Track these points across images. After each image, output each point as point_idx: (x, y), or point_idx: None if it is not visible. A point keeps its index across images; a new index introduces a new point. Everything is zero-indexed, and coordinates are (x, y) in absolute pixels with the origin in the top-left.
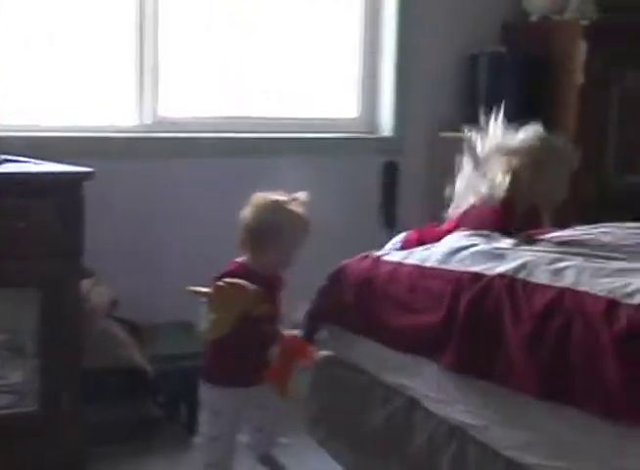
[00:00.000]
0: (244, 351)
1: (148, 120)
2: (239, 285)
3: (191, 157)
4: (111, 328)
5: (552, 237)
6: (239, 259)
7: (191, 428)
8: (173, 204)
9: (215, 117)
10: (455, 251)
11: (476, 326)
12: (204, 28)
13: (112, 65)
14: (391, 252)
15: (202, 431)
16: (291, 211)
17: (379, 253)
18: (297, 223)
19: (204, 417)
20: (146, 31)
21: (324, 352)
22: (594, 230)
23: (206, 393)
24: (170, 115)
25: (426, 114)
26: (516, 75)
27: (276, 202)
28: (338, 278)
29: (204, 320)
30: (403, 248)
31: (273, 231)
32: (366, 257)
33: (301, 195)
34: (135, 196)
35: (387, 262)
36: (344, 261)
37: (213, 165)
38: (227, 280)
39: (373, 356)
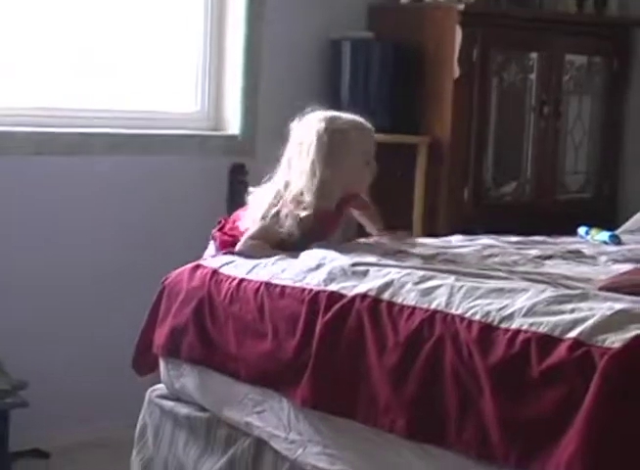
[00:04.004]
0: None
1: None
2: None
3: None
4: None
5: (422, 247)
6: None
7: None
8: None
9: (25, 109)
10: (313, 267)
11: (334, 354)
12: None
13: None
14: (232, 260)
15: None
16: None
17: (214, 263)
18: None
19: None
20: None
21: None
22: (472, 242)
23: None
24: None
25: (279, 109)
26: (384, 66)
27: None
28: (167, 296)
29: None
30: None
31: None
32: (197, 267)
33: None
34: None
35: (227, 277)
36: (172, 273)
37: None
38: None
39: (213, 390)
